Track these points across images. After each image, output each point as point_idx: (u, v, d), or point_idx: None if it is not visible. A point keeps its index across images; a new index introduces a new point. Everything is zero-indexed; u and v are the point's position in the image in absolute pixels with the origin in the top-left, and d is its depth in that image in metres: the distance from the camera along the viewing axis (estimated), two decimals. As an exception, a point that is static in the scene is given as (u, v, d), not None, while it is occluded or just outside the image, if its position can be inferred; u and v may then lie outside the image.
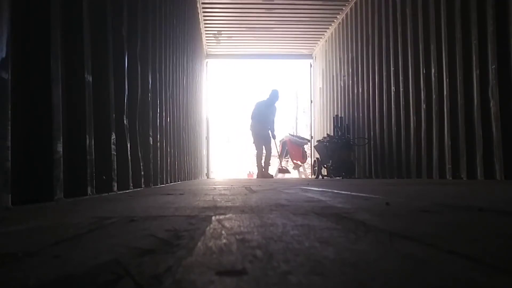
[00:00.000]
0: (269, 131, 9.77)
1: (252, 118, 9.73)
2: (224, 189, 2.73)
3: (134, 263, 0.53)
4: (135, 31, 3.10)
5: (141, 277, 0.46)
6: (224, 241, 0.68)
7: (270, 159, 10.08)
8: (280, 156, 11.26)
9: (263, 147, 9.71)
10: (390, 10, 6.64)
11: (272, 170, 10.97)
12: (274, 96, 9.90)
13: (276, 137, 10.28)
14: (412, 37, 5.84)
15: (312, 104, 12.00)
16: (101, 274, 0.48)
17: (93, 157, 2.09)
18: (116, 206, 1.48)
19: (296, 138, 11.01)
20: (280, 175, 10.60)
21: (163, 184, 4.20)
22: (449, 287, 0.42)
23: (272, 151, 10.09)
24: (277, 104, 9.97)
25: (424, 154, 5.48)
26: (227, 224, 0.90)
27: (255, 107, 9.79)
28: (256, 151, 9.87)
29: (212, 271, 0.48)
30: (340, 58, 9.40)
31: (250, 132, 9.92)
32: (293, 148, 10.83)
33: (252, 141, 10.04)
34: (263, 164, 9.71)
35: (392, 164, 6.51)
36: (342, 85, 9.23)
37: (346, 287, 0.42)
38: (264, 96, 10.05)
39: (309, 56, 12.11)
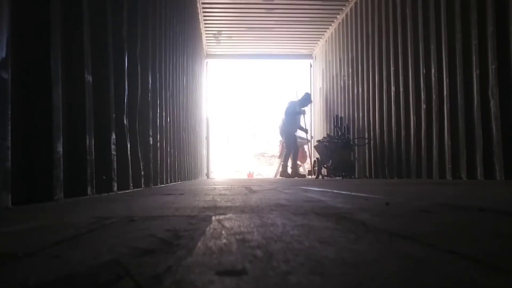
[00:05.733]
0: (297, 133, 9.86)
1: (286, 116, 9.68)
2: (224, 189, 2.73)
3: (134, 263, 0.53)
4: (135, 31, 3.10)
5: (141, 277, 0.46)
6: (224, 241, 0.68)
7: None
8: (280, 157, 11.25)
9: (293, 146, 9.72)
10: (390, 10, 6.64)
11: (271, 171, 10.98)
12: (306, 99, 9.95)
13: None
14: (412, 37, 5.84)
15: (312, 104, 12.01)
16: (101, 274, 0.48)
17: (93, 157, 2.09)
18: (116, 206, 1.48)
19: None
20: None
21: (163, 184, 4.20)
22: (449, 287, 0.42)
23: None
24: (305, 108, 10.05)
25: (424, 154, 5.49)
26: (227, 224, 0.90)
27: (290, 106, 9.75)
28: (285, 150, 9.88)
29: (212, 271, 0.48)
30: (340, 58, 9.40)
31: (280, 131, 9.92)
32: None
33: (282, 140, 10.04)
34: (289, 164, 9.71)
35: (392, 164, 6.51)
36: (342, 85, 9.24)
37: (346, 287, 0.42)
38: (296, 96, 10.16)
39: (309, 56, 12.11)
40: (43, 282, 0.46)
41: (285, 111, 9.75)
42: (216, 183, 4.38)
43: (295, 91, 11.04)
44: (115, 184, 2.41)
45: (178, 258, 0.55)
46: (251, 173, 16.54)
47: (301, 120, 9.88)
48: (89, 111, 2.06)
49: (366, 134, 7.72)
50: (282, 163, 10.04)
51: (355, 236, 0.71)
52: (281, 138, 11.04)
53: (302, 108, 9.85)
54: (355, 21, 8.39)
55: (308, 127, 10.47)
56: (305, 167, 11.79)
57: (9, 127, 1.35)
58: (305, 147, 11.40)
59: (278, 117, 10.28)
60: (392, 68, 6.54)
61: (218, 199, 1.70)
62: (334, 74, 9.87)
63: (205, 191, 2.46)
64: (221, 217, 1.04)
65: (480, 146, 4.32)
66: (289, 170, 9.71)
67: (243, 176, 15.94)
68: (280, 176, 10.09)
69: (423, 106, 5.55)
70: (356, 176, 8.04)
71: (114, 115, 2.49)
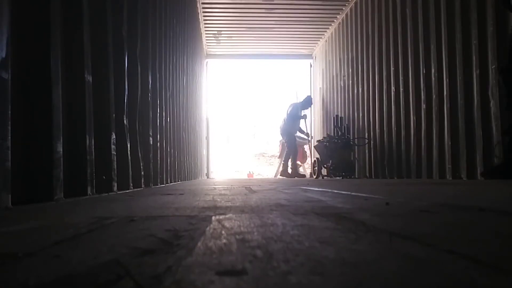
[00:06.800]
0: (297, 134, 10.20)
1: (288, 118, 9.95)
2: (224, 189, 2.73)
3: (134, 263, 0.53)
4: (135, 31, 3.10)
5: (141, 277, 0.46)
6: (224, 241, 0.68)
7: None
8: (280, 157, 11.31)
9: (294, 147, 10.00)
10: (390, 10, 6.64)
11: (271, 171, 11.13)
12: (308, 101, 10.25)
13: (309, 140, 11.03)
14: (412, 37, 5.84)
15: (312, 104, 12.01)
16: (101, 274, 0.48)
17: (93, 157, 2.09)
18: (116, 206, 1.48)
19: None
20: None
21: (163, 184, 4.20)
22: (449, 287, 0.42)
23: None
24: (306, 111, 10.36)
25: (424, 154, 5.49)
26: (227, 224, 0.90)
27: (293, 108, 10.02)
28: (286, 150, 10.14)
29: (212, 271, 0.48)
30: (340, 58, 9.41)
31: (281, 131, 10.18)
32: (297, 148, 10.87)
33: (284, 140, 10.39)
34: (289, 164, 9.95)
35: (392, 164, 6.51)
36: (342, 85, 9.24)
37: (346, 287, 0.42)
38: (296, 98, 10.64)
39: (309, 56, 12.11)
40: (43, 282, 0.46)
41: (288, 113, 9.96)
42: (216, 183, 4.38)
43: (295, 92, 11.21)
44: (115, 184, 2.41)
45: (178, 258, 0.55)
46: (251, 173, 16.55)
47: (302, 124, 10.19)
48: (89, 111, 2.05)
49: (366, 134, 7.71)
50: (283, 162, 10.26)
51: (355, 236, 0.71)
52: (281, 138, 11.17)
53: (303, 112, 10.13)
54: (355, 21, 8.39)
55: (308, 130, 10.78)
56: (305, 167, 11.81)
57: (9, 127, 1.35)
58: (305, 147, 11.44)
59: (280, 118, 10.53)
60: (392, 68, 6.54)
61: (218, 199, 1.70)
62: (334, 74, 9.88)
63: (205, 191, 2.46)
64: (221, 217, 1.04)
65: (480, 146, 4.32)
66: (289, 170, 9.84)
67: (243, 176, 15.94)
68: (280, 176, 10.34)
69: (423, 106, 5.55)
70: (356, 176, 8.04)
71: (114, 115, 2.49)
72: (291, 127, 9.95)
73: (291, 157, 9.93)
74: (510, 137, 3.02)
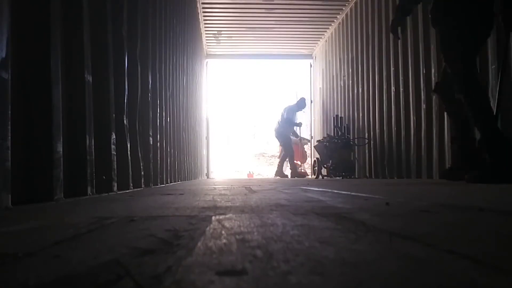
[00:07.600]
0: (292, 135, 10.52)
1: (283, 121, 10.22)
2: (224, 189, 2.73)
3: (134, 263, 0.53)
4: (135, 31, 3.10)
5: (141, 277, 0.46)
6: (224, 241, 0.68)
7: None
8: (280, 157, 11.37)
9: (290, 148, 10.27)
10: (390, 10, 6.64)
11: (271, 171, 11.26)
12: (302, 103, 10.60)
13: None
14: (412, 37, 5.84)
15: (312, 104, 12.03)
16: (101, 274, 0.48)
17: (93, 157, 2.09)
18: (116, 206, 1.48)
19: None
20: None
21: (163, 184, 4.20)
22: (449, 287, 0.42)
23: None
24: (301, 112, 10.76)
25: (424, 154, 5.48)
26: (227, 224, 0.90)
27: (288, 111, 10.31)
28: (284, 153, 10.42)
29: (212, 271, 0.48)
30: (340, 58, 9.40)
31: (276, 133, 10.44)
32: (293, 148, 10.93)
33: (281, 144, 10.65)
34: (288, 165, 10.21)
35: (392, 164, 6.51)
36: (342, 85, 9.24)
37: (346, 287, 0.42)
38: (296, 97, 10.97)
39: (309, 56, 12.11)
40: (43, 282, 0.46)
41: (284, 117, 10.20)
42: (216, 183, 4.38)
43: (295, 92, 11.40)
44: (115, 184, 2.41)
45: (178, 258, 0.55)
46: (251, 173, 16.55)
47: (296, 128, 10.60)
48: (89, 111, 2.06)
49: (366, 134, 7.71)
50: (279, 163, 10.64)
51: (355, 236, 0.71)
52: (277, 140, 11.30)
53: (299, 113, 10.51)
54: (355, 21, 8.39)
55: (308, 132, 11.07)
56: (305, 167, 11.82)
57: (9, 127, 1.35)
58: (305, 146, 11.47)
59: (274, 120, 10.84)
60: (392, 68, 6.54)
61: (218, 199, 1.70)
62: (334, 74, 9.88)
63: (205, 191, 2.46)
64: (221, 217, 1.04)
65: (480, 146, 4.32)
66: (287, 171, 10.02)
67: (243, 176, 15.94)
68: (275, 175, 10.64)
69: (423, 106, 5.54)
70: (356, 176, 8.04)
71: (114, 115, 2.49)
72: (286, 130, 10.22)
73: (288, 158, 10.11)
74: (458, 145, 3.45)
